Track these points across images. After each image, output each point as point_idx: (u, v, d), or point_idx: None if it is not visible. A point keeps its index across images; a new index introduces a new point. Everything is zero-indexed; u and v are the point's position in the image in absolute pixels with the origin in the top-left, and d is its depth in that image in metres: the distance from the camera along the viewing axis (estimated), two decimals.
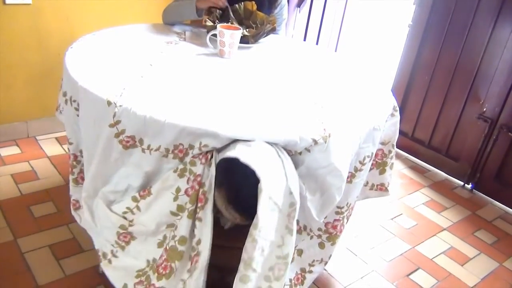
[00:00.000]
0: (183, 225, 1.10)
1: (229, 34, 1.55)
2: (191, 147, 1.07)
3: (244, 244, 1.26)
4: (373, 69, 3.11)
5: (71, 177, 1.41)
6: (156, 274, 1.12)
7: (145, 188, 1.13)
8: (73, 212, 1.44)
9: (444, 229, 2.22)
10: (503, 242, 2.19)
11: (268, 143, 1.07)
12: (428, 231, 2.19)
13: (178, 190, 1.09)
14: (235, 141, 1.06)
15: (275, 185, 1.01)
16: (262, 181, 0.99)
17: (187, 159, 1.08)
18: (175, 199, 1.09)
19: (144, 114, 1.07)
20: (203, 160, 1.06)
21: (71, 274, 1.63)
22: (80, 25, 2.37)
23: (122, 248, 1.18)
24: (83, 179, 1.36)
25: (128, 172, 1.14)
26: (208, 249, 1.08)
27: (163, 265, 1.11)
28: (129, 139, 1.10)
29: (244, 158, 0.99)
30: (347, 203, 1.35)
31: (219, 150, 1.07)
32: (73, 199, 1.43)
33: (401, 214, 2.30)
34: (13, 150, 2.33)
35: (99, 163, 1.16)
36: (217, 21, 1.75)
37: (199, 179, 1.07)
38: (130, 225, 1.14)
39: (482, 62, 2.43)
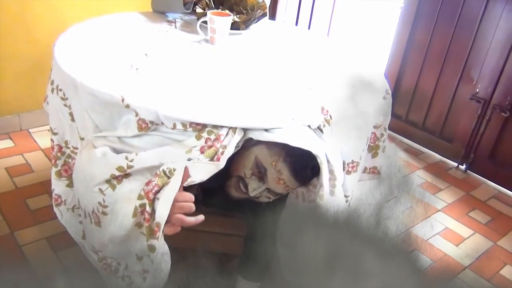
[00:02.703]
0: (183, 165, 1.04)
1: (220, 21, 1.54)
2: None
3: (243, 233, 1.27)
4: (366, 52, 3.10)
5: (53, 170, 1.35)
6: (148, 201, 1.02)
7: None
8: (54, 208, 1.36)
9: (439, 210, 2.24)
10: (497, 222, 2.21)
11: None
12: (423, 212, 2.21)
13: (193, 146, 1.08)
14: None
15: (323, 159, 1.13)
16: (321, 157, 1.11)
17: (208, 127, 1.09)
18: (188, 152, 1.07)
19: (155, 109, 1.07)
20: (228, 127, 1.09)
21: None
22: (69, 15, 2.34)
23: (113, 187, 1.06)
24: (66, 171, 1.34)
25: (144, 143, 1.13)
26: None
27: (153, 190, 1.03)
28: (141, 122, 1.10)
29: (294, 143, 1.08)
30: (352, 191, 1.36)
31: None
32: (55, 194, 1.36)
33: (396, 196, 2.31)
34: (6, 143, 2.32)
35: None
36: (207, 8, 1.73)
37: (221, 138, 1.08)
38: (129, 167, 1.05)
39: (474, 42, 2.43)
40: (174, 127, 1.09)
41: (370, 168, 1.60)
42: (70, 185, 1.35)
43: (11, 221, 1.80)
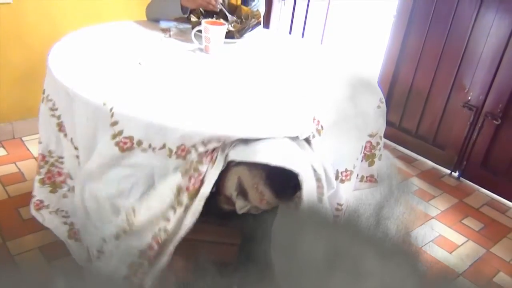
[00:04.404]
0: (178, 220, 1.11)
1: (214, 30, 1.54)
2: (195, 147, 1.09)
3: (238, 241, 1.29)
4: (359, 61, 3.13)
5: (37, 178, 1.37)
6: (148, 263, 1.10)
7: (150, 187, 1.14)
8: (34, 212, 1.38)
9: (433, 218, 2.25)
10: (490, 229, 2.23)
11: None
12: (416, 220, 2.22)
13: (179, 188, 1.11)
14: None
15: (307, 171, 1.11)
16: (302, 175, 1.08)
17: (192, 157, 1.10)
18: (176, 196, 1.11)
19: (145, 118, 1.08)
20: (209, 159, 1.10)
21: None
22: (63, 24, 2.34)
23: (117, 237, 1.14)
24: (49, 178, 1.35)
25: (127, 173, 1.14)
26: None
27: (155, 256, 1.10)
28: (127, 140, 1.10)
29: (275, 162, 1.06)
30: (346, 199, 1.37)
31: (224, 149, 1.11)
32: (37, 199, 1.37)
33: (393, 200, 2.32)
34: None
35: (97, 162, 1.15)
36: (201, 17, 1.74)
37: (201, 177, 1.10)
38: (130, 228, 1.12)
39: (466, 50, 2.46)
40: (163, 147, 1.10)
41: (367, 177, 1.60)
42: (53, 190, 1.37)
43: (3, 230, 1.79)
